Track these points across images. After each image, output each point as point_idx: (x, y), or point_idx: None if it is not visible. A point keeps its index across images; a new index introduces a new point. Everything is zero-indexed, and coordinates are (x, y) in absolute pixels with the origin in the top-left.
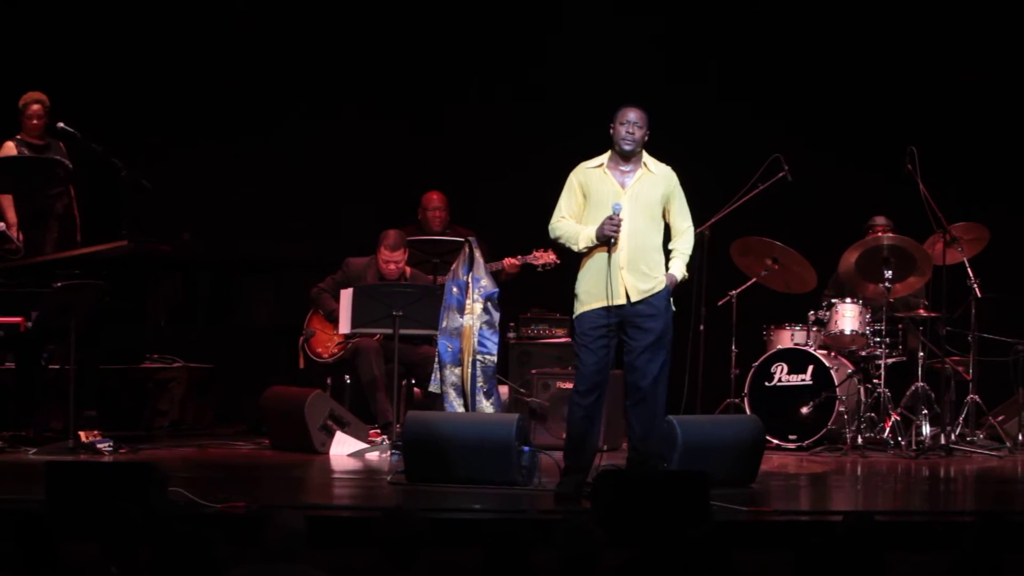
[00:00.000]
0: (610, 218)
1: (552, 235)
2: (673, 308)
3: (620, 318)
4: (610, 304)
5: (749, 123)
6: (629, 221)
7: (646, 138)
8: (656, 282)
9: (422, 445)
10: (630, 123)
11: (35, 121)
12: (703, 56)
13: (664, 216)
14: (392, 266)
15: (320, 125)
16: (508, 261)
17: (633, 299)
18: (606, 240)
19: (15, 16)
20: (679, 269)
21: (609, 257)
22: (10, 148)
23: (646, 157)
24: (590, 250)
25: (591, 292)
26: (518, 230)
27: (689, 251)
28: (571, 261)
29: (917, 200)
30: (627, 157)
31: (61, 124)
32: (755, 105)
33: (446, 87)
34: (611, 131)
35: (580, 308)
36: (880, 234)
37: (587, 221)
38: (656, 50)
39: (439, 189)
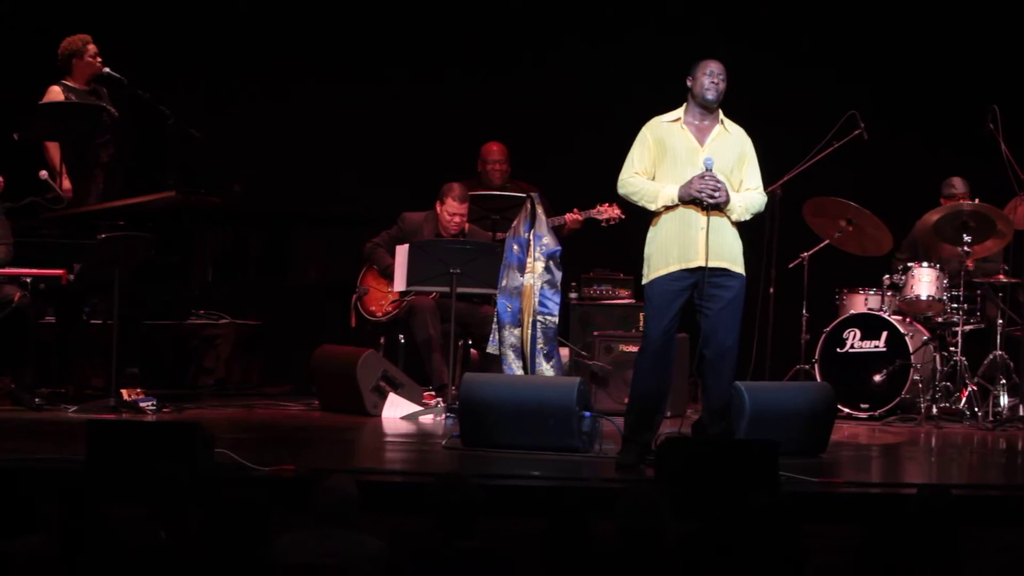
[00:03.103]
0: (702, 176)
1: (622, 190)
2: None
3: (696, 280)
4: (687, 267)
5: (827, 83)
6: None
7: (723, 95)
8: (737, 247)
9: (478, 408)
10: (713, 74)
11: (99, 61)
12: (781, 19)
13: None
14: (457, 218)
15: (378, 76)
16: (570, 216)
17: (713, 263)
18: (692, 200)
19: None
20: (735, 198)
21: (691, 216)
22: (56, 93)
23: (723, 116)
24: (666, 208)
25: (667, 254)
26: (581, 184)
27: (751, 204)
28: (637, 216)
29: (995, 161)
30: (708, 109)
31: (107, 69)
32: (837, 67)
33: (510, 38)
34: (689, 84)
35: (653, 272)
36: (960, 199)
37: (660, 178)
38: (736, 14)
39: (499, 140)
